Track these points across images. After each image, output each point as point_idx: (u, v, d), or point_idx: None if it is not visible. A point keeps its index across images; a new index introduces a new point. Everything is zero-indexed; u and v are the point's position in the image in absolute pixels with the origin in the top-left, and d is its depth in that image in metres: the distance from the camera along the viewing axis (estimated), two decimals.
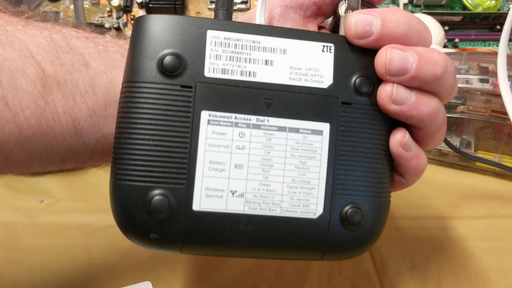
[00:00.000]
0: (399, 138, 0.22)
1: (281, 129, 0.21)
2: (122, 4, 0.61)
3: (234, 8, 0.61)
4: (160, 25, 0.21)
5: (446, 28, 0.61)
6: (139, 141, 0.20)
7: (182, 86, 0.21)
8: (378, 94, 0.22)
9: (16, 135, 0.20)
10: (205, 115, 0.21)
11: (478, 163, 0.43)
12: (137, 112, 0.20)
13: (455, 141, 0.43)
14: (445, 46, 0.61)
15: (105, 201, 0.37)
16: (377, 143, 0.22)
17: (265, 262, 0.33)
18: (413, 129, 0.23)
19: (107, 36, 0.25)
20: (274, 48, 0.22)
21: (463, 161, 0.43)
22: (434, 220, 0.37)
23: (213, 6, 0.61)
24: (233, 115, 0.21)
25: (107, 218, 0.36)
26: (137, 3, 0.61)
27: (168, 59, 0.20)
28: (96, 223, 0.36)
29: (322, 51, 0.22)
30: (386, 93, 0.21)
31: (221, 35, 0.21)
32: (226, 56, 0.21)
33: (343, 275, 0.33)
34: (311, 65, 0.22)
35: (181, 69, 0.21)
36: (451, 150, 0.43)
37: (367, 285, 0.32)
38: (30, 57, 0.20)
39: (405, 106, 0.21)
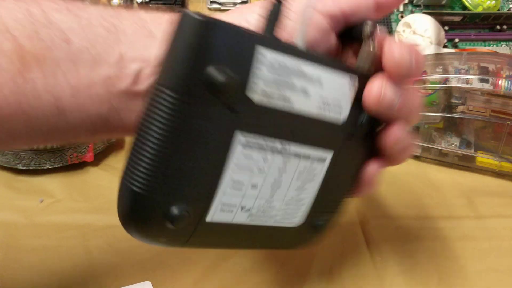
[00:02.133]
0: (372, 171, 0.26)
1: (297, 155, 0.22)
2: (122, 4, 0.60)
3: (234, 8, 0.61)
4: (210, 33, 0.19)
5: (446, 28, 0.61)
6: (167, 154, 0.19)
7: (221, 103, 0.19)
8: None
9: None
10: (239, 136, 0.20)
11: (478, 163, 0.43)
12: (170, 125, 0.19)
13: (455, 141, 0.43)
14: (445, 46, 0.61)
15: (105, 201, 0.37)
16: (355, 170, 0.25)
17: (265, 262, 0.33)
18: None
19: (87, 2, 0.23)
20: (312, 78, 0.22)
21: (463, 161, 0.43)
22: (434, 220, 0.37)
23: (213, 6, 0.61)
24: (263, 138, 0.21)
25: (107, 218, 0.36)
26: (137, 3, 0.61)
27: (212, 73, 0.19)
28: (96, 223, 0.36)
29: (348, 84, 0.23)
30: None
31: (269, 55, 0.20)
32: (270, 78, 0.20)
33: (343, 275, 0.33)
34: (336, 96, 0.23)
35: (223, 86, 0.19)
36: (451, 150, 0.43)
37: (367, 285, 0.32)
38: (6, 32, 0.19)
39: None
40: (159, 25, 0.23)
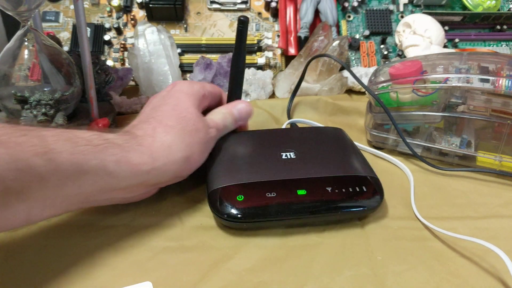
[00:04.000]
0: None
1: None
2: (122, 4, 0.61)
3: (234, 8, 0.61)
4: None
5: (446, 28, 0.61)
6: None
7: None
8: None
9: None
10: None
11: (478, 163, 0.43)
12: None
13: (456, 141, 0.43)
14: (445, 46, 0.61)
15: None
16: None
17: (265, 263, 0.33)
18: None
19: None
20: None
21: (463, 160, 0.43)
22: (434, 220, 0.37)
23: (213, 6, 0.61)
24: None
25: (107, 218, 0.36)
26: (137, 3, 0.61)
27: None
28: (96, 223, 0.36)
29: None
30: None
31: None
32: None
33: (343, 275, 0.33)
34: None
35: None
36: (451, 149, 0.43)
37: (367, 285, 0.32)
38: (2, 181, 0.26)
39: None
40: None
